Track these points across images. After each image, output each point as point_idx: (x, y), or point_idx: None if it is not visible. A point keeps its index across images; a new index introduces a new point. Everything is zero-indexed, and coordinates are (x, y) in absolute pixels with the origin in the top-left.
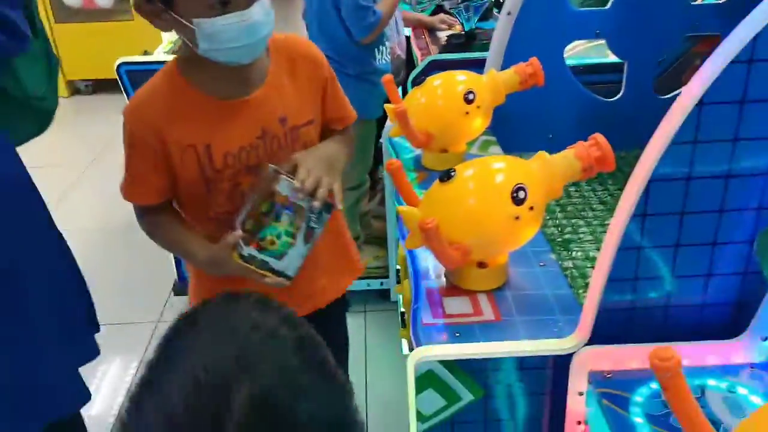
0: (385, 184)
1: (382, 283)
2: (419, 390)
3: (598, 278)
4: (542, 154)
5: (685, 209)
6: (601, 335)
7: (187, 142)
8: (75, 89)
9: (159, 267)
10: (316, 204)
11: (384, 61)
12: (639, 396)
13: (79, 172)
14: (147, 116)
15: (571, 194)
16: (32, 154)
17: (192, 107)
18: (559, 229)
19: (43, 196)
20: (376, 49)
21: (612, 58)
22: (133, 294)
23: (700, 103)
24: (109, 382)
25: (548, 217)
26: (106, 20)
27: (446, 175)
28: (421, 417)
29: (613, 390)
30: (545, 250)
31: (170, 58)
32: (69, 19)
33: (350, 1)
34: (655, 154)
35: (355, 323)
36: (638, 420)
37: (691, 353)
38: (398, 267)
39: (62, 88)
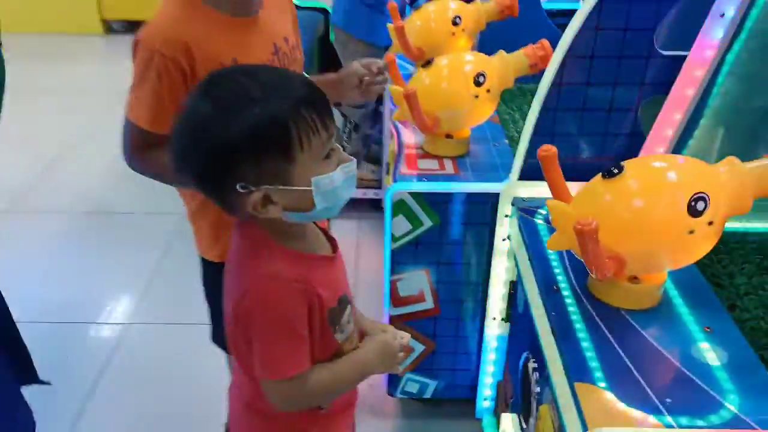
0: (383, 115)
1: (376, 193)
2: (394, 215)
3: (525, 135)
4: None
5: (589, 80)
6: (525, 178)
7: (216, 58)
8: (109, 28)
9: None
10: None
11: None
12: (543, 210)
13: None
14: (174, 37)
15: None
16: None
17: (213, 25)
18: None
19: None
20: None
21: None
22: None
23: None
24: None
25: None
26: None
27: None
28: (394, 238)
29: (527, 207)
30: (501, 135)
31: None
32: None
33: None
34: (569, 39)
35: (348, 227)
36: (539, 222)
37: None
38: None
39: (98, 26)
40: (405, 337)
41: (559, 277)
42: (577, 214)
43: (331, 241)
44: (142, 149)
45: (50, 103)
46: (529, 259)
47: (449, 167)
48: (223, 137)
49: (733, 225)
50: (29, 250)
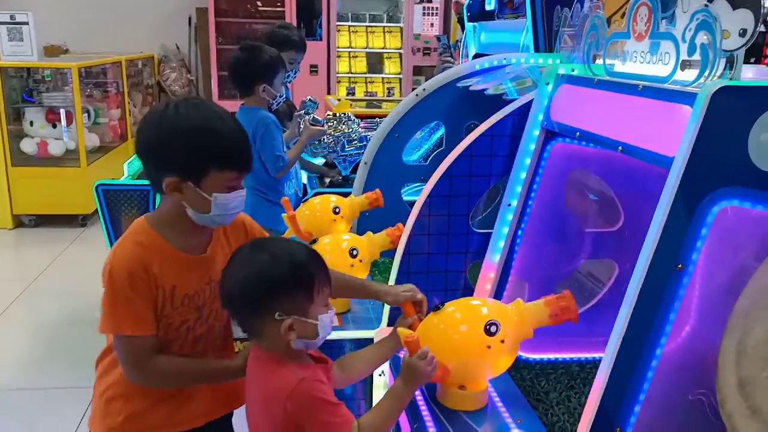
0: None
1: None
2: None
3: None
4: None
5: (430, 251)
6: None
7: (163, 284)
8: (20, 222)
9: None
10: None
11: (290, 192)
12: None
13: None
14: (143, 262)
15: None
16: None
17: (167, 257)
18: None
19: None
20: (286, 183)
21: None
22: None
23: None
24: None
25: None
26: (56, 166)
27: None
28: None
29: None
30: None
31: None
32: (23, 164)
33: (269, 152)
34: (411, 223)
35: None
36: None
37: None
38: None
39: (8, 221)
40: (422, 351)
41: (418, 392)
42: (419, 335)
43: (319, 358)
44: (143, 357)
45: None
46: None
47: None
48: (276, 275)
49: (547, 355)
50: None
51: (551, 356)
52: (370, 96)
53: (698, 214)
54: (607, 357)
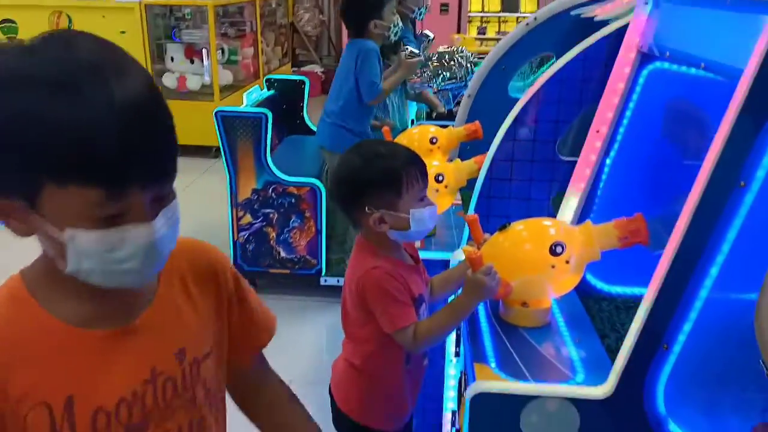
0: None
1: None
2: None
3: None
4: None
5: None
6: None
7: (37, 397)
8: None
9: None
10: None
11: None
12: None
13: None
14: None
15: None
16: None
17: (47, 343)
18: None
19: None
20: (370, 118)
21: None
22: None
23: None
24: None
25: None
26: (193, 100)
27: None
28: None
29: None
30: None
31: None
32: (165, 97)
33: (365, 77)
34: (494, 149)
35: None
36: None
37: None
38: None
39: None
40: (486, 267)
41: (481, 309)
42: (482, 253)
43: (416, 258)
44: None
45: None
46: None
47: None
48: (367, 177)
49: (632, 289)
50: None
51: (636, 290)
52: (503, 35)
53: (766, 129)
54: (659, 271)
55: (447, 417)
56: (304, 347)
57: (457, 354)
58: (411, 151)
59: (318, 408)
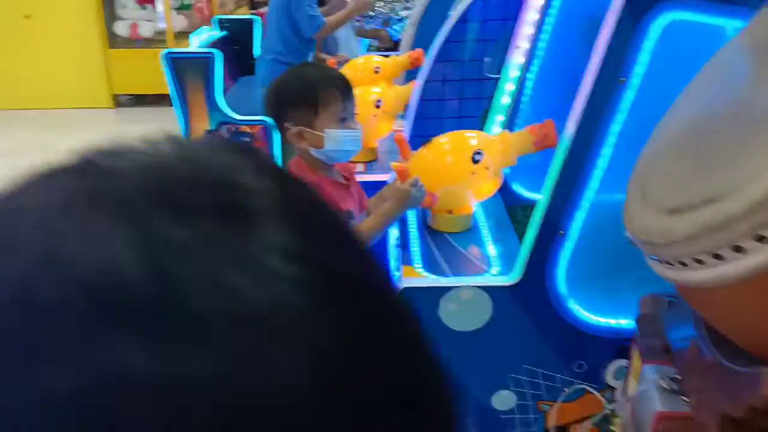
0: None
1: None
2: None
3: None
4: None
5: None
6: None
7: None
8: (119, 102)
9: None
10: None
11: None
12: None
13: None
14: None
15: None
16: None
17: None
18: None
19: None
20: (310, 52)
21: None
22: None
23: None
24: None
25: None
26: (147, 47)
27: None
28: None
29: None
30: None
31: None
32: (119, 46)
33: (303, 12)
34: (426, 70)
35: None
36: None
37: None
38: None
39: (109, 101)
40: (413, 178)
41: (412, 219)
42: (409, 166)
43: (347, 178)
44: None
45: None
46: None
47: None
48: (287, 93)
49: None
50: None
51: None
52: None
53: (640, 28)
54: (554, 164)
55: None
56: None
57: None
58: (337, 73)
59: None
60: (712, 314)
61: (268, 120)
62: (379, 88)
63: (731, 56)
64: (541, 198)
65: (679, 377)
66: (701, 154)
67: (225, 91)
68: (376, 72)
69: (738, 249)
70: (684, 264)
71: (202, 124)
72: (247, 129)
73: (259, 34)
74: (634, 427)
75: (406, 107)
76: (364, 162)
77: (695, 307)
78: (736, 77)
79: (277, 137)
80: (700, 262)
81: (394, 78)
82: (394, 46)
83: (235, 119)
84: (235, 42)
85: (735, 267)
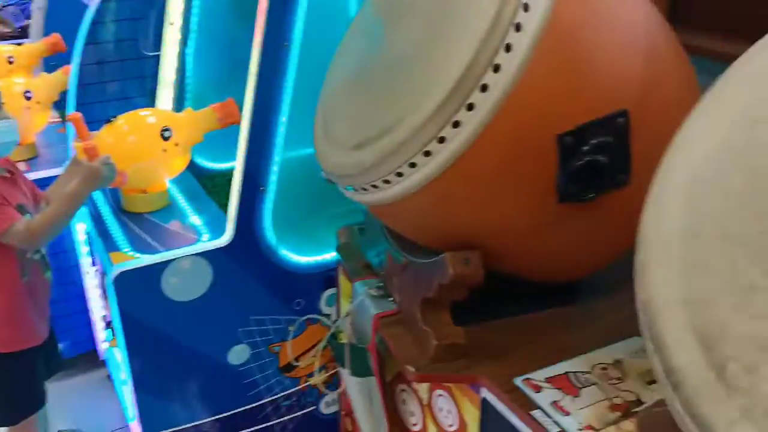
0: None
1: None
2: None
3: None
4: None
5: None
6: None
7: None
8: None
9: None
10: None
11: None
12: None
13: None
14: None
15: None
16: None
17: None
18: None
19: None
20: None
21: None
22: None
23: None
24: None
25: None
26: None
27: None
28: None
29: None
30: None
31: None
32: None
33: None
34: (78, 56)
35: None
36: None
37: None
38: None
39: None
40: (104, 156)
41: (103, 206)
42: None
43: (11, 171)
44: None
45: None
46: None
47: None
48: None
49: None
50: None
51: None
52: None
53: None
54: (245, 125)
55: (96, 315)
56: None
57: (93, 264)
58: None
59: None
60: (401, 223)
61: None
62: (22, 78)
63: (367, 20)
64: (236, 163)
65: (383, 284)
66: (369, 99)
67: None
68: (10, 62)
69: (413, 165)
70: (375, 186)
71: None
72: None
73: None
74: (357, 335)
75: (61, 95)
76: (25, 160)
77: (387, 221)
78: (374, 36)
79: None
80: (387, 182)
81: (32, 66)
82: (20, 33)
83: None
84: None
85: (412, 180)
